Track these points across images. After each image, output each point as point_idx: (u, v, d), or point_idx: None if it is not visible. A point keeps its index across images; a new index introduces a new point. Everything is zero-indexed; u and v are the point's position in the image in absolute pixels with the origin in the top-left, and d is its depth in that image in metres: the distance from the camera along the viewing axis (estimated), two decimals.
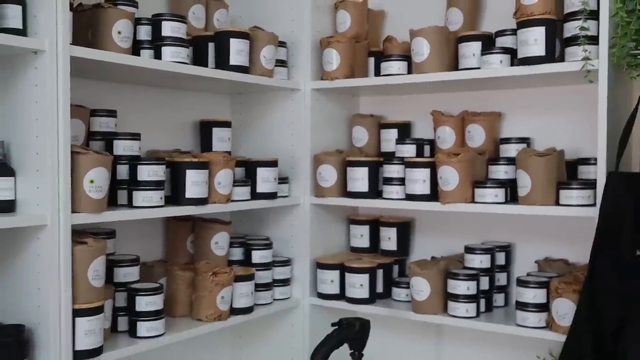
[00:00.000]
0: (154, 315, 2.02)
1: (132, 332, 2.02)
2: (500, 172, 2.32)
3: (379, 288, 2.53)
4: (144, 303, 2.01)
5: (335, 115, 2.68)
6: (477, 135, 2.44)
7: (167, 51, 2.09)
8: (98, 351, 1.83)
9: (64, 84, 1.74)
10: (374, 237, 2.67)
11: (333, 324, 2.09)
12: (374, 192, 2.49)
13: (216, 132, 2.48)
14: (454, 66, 2.36)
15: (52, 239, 1.72)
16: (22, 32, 1.71)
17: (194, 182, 2.11)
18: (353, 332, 2.07)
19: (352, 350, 2.10)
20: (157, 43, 2.09)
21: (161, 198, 2.03)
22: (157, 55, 2.08)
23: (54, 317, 1.72)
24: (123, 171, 2.02)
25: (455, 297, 2.29)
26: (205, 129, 2.52)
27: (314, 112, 2.56)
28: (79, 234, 1.83)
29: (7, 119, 1.81)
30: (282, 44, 2.53)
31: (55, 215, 1.73)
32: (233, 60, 2.28)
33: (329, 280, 2.53)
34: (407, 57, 2.45)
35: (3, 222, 1.68)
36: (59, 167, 1.74)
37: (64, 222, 1.74)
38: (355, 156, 2.55)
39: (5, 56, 1.78)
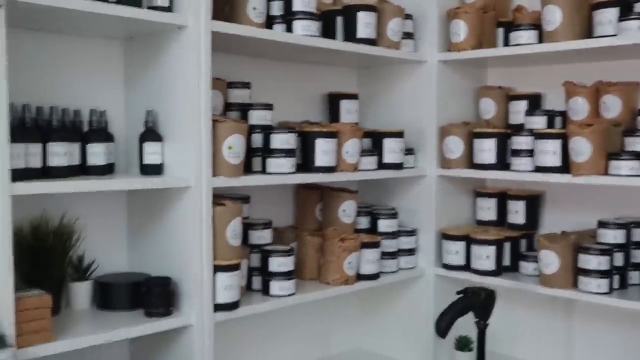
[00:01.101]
0: (286, 275, 2.13)
1: (265, 290, 2.15)
2: (638, 144, 2.22)
3: (506, 261, 2.51)
4: (277, 264, 2.12)
5: (461, 87, 2.67)
6: (613, 106, 2.35)
7: (298, 25, 2.17)
8: (235, 305, 1.96)
9: (206, 57, 1.87)
10: (501, 210, 2.64)
11: (458, 292, 2.11)
12: (502, 164, 2.46)
13: (344, 104, 2.55)
14: (588, 34, 2.28)
15: (195, 200, 1.87)
16: (167, 8, 1.86)
17: (324, 151, 2.19)
18: (479, 301, 2.08)
19: (477, 319, 2.11)
20: (288, 18, 2.18)
21: (292, 165, 2.13)
22: (289, 30, 2.18)
23: (196, 271, 1.87)
24: (257, 140, 2.14)
25: (586, 272, 2.23)
26: (333, 101, 2.59)
27: (441, 84, 2.57)
28: (217, 197, 1.97)
29: (155, 89, 1.97)
30: (408, 17, 2.55)
31: (198, 178, 1.87)
32: (360, 33, 2.33)
33: (454, 252, 2.54)
34: (537, 27, 2.39)
35: (153, 183, 1.84)
36: (200, 134, 1.87)
37: (206, 184, 1.88)
38: (482, 128, 2.53)
39: (153, 32, 1.94)
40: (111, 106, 2.02)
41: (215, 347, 1.99)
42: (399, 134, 2.47)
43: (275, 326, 2.53)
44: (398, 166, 2.48)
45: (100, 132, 1.88)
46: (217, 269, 1.91)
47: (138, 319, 1.83)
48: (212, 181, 1.90)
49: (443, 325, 2.05)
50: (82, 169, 1.81)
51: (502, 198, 2.64)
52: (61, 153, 1.71)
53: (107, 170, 1.85)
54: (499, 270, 2.47)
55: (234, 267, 1.94)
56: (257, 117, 2.19)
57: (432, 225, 2.59)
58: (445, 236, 2.57)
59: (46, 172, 1.70)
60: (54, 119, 1.77)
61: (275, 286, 2.13)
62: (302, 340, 2.66)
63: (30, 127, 1.71)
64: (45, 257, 1.80)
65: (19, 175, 1.57)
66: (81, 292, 1.91)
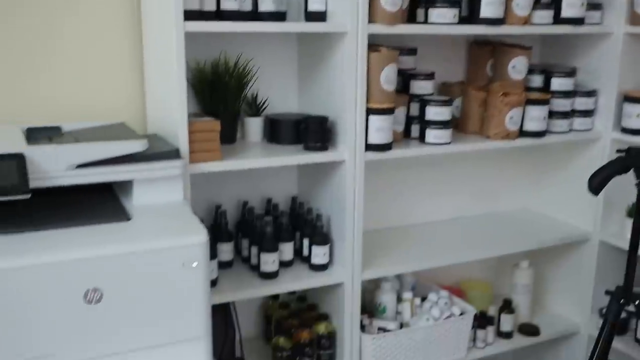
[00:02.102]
0: (442, 124, 2.21)
1: (421, 138, 2.25)
2: None
3: None
4: (434, 113, 2.20)
5: None
6: None
7: None
8: (387, 147, 2.10)
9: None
10: None
11: (619, 151, 2.03)
12: None
13: None
14: None
15: (351, 45, 1.99)
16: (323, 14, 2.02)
17: (490, 1, 2.16)
18: None
19: (638, 180, 2.02)
20: None
21: (455, 16, 2.14)
22: None
23: (350, 112, 2.03)
24: None
25: None
26: None
27: None
28: (374, 45, 2.07)
29: None
30: None
31: (354, 24, 1.98)
32: None
33: (636, 115, 2.39)
34: None
35: (314, 27, 2.00)
36: None
37: (362, 30, 1.99)
38: None
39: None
40: None
41: (370, 186, 2.17)
42: None
43: (435, 177, 2.64)
44: (578, 21, 2.34)
45: None
46: (370, 111, 2.05)
47: (298, 151, 2.06)
48: (367, 28, 1.99)
49: (596, 182, 2.00)
50: (254, 15, 2.01)
51: None
52: None
53: (276, 16, 2.03)
54: None
55: (387, 111, 2.06)
56: None
57: (614, 87, 2.45)
58: (628, 98, 2.42)
59: (219, 15, 1.92)
60: None
61: (431, 134, 2.22)
62: (469, 195, 2.75)
63: None
64: (223, 92, 2.07)
65: (193, 15, 1.81)
66: (253, 126, 2.18)
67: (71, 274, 1.38)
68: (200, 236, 1.51)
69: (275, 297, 2.38)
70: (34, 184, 1.47)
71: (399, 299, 2.42)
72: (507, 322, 2.57)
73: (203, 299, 1.53)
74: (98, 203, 1.66)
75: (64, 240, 1.44)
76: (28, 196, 1.43)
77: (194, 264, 1.49)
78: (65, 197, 1.65)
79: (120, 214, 1.58)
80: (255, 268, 2.10)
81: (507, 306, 2.58)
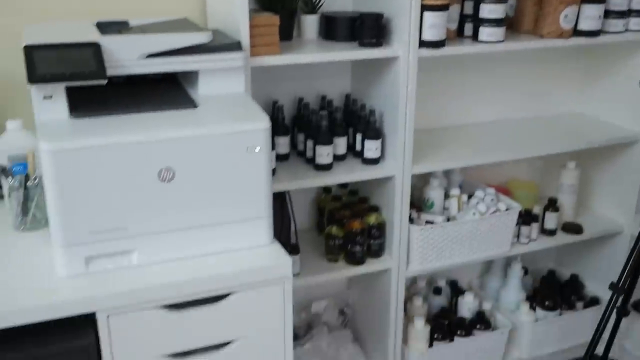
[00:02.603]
0: (495, 22, 2.22)
1: (474, 36, 2.27)
2: None
3: None
4: (487, 10, 2.21)
5: None
6: None
7: None
8: (440, 44, 2.14)
9: None
10: None
11: None
12: None
13: None
14: None
15: None
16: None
17: None
18: None
19: None
20: None
21: None
22: None
23: (405, 8, 2.06)
24: None
25: None
26: None
27: None
28: None
29: None
30: None
31: None
32: None
33: None
34: None
35: None
36: None
37: None
38: None
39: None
40: None
41: (422, 87, 2.22)
42: None
43: (487, 78, 2.67)
44: None
45: None
46: (424, 8, 2.07)
47: (353, 47, 2.11)
48: None
49: None
50: None
51: None
52: None
53: None
54: None
55: (441, 8, 2.08)
56: None
57: None
58: None
59: None
60: None
61: (484, 32, 2.23)
62: (520, 96, 2.77)
63: None
64: None
65: None
66: (309, 23, 2.23)
67: (146, 154, 1.50)
68: (263, 123, 1.61)
69: (328, 191, 2.50)
70: (109, 72, 1.57)
71: (447, 196, 2.51)
72: (551, 220, 2.65)
73: (265, 182, 1.64)
74: (166, 92, 1.77)
75: (139, 123, 1.55)
76: (105, 81, 1.53)
77: (257, 149, 1.60)
78: (135, 87, 1.76)
79: (187, 102, 1.69)
80: (311, 161, 2.21)
81: (552, 205, 2.65)
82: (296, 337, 2.56)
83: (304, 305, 2.64)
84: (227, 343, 1.66)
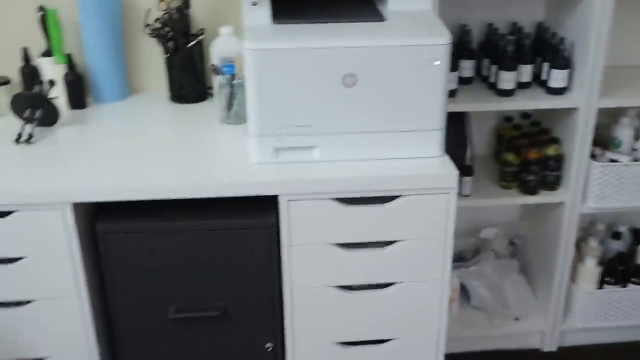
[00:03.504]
0: None
1: None
2: None
3: None
4: None
5: None
6: None
7: None
8: None
9: None
10: None
11: None
12: None
13: None
14: None
15: None
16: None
17: None
18: None
19: None
20: None
21: None
22: None
23: None
24: None
25: None
26: None
27: None
28: None
29: None
30: None
31: None
32: None
33: None
34: None
35: None
36: None
37: None
38: None
39: None
40: None
41: (617, 22, 2.13)
42: None
43: None
44: None
45: None
46: None
47: None
48: None
49: None
50: None
51: None
52: None
53: None
54: None
55: None
56: None
57: None
58: None
59: None
60: None
61: None
62: None
63: None
64: None
65: None
66: None
67: (334, 60, 1.66)
68: (444, 38, 1.68)
69: (509, 120, 2.51)
70: None
71: (638, 137, 2.41)
72: None
73: (441, 96, 1.73)
74: (358, 6, 1.90)
75: (331, 31, 1.71)
76: None
77: (436, 63, 1.69)
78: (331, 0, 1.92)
79: (376, 15, 1.81)
80: (493, 86, 2.24)
81: None
82: (462, 259, 2.66)
83: (473, 230, 2.71)
84: (391, 242, 1.81)
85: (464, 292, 2.64)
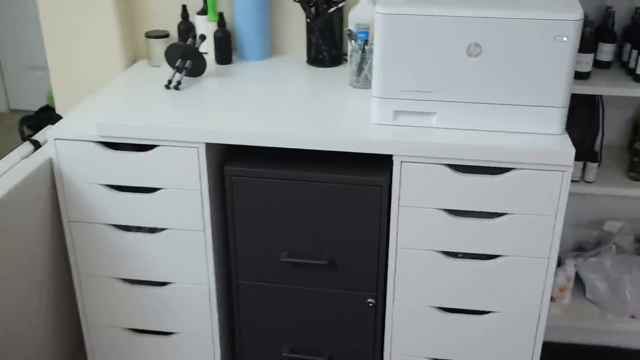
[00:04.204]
0: None
1: None
2: None
3: None
4: None
5: None
6: None
7: None
8: None
9: None
10: None
11: None
12: None
13: None
14: None
15: None
16: None
17: None
18: None
19: None
20: None
21: None
22: None
23: None
24: None
25: None
26: None
27: None
28: None
29: None
30: None
31: None
32: None
33: None
34: None
35: None
36: None
37: None
38: None
39: None
40: None
41: None
42: None
43: None
44: None
45: None
46: None
47: None
48: None
49: None
50: None
51: None
52: None
53: None
54: None
55: None
56: None
57: None
58: None
59: None
60: None
61: None
62: None
63: None
64: None
65: None
66: None
67: (461, 29, 1.70)
68: (575, 14, 1.67)
69: None
70: None
71: None
72: None
73: (567, 73, 1.72)
74: None
75: (462, 0, 1.75)
76: None
77: (565, 39, 1.68)
78: None
79: None
80: (632, 72, 2.17)
81: None
82: (582, 249, 2.59)
83: (597, 222, 2.63)
84: (499, 215, 1.83)
85: (579, 283, 2.58)
